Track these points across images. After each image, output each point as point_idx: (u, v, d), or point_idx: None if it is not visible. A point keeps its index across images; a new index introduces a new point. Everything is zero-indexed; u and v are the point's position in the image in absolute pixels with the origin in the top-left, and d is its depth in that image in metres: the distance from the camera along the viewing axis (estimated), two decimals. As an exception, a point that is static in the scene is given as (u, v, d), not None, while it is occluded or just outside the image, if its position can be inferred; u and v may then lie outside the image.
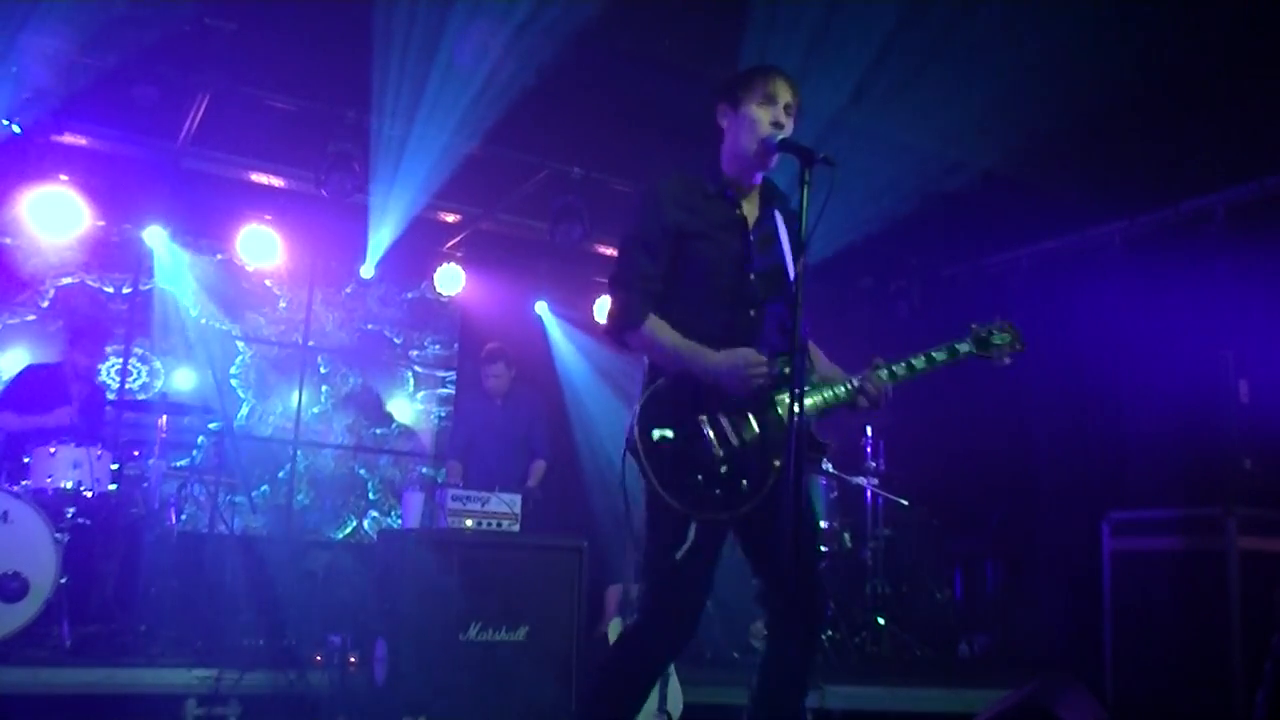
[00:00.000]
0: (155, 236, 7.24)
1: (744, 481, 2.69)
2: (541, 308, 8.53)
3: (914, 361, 2.83)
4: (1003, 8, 4.88)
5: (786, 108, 2.85)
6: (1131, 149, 6.02)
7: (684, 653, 2.96)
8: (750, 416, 2.74)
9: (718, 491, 2.68)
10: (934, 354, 2.85)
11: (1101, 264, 6.92)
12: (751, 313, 2.85)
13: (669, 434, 2.70)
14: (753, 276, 2.86)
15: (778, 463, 2.70)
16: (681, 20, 5.21)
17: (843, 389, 2.79)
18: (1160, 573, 4.96)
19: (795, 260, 2.66)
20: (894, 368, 2.81)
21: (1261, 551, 4.72)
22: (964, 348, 2.90)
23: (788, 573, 2.67)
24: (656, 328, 2.78)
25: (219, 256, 7.91)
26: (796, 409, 2.47)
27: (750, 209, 2.94)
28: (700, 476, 2.67)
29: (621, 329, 2.83)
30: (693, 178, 2.93)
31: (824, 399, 2.78)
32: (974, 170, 6.46)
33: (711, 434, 2.70)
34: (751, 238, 2.89)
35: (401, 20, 5.30)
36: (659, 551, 2.73)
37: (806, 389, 2.74)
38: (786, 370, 2.75)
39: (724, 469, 2.68)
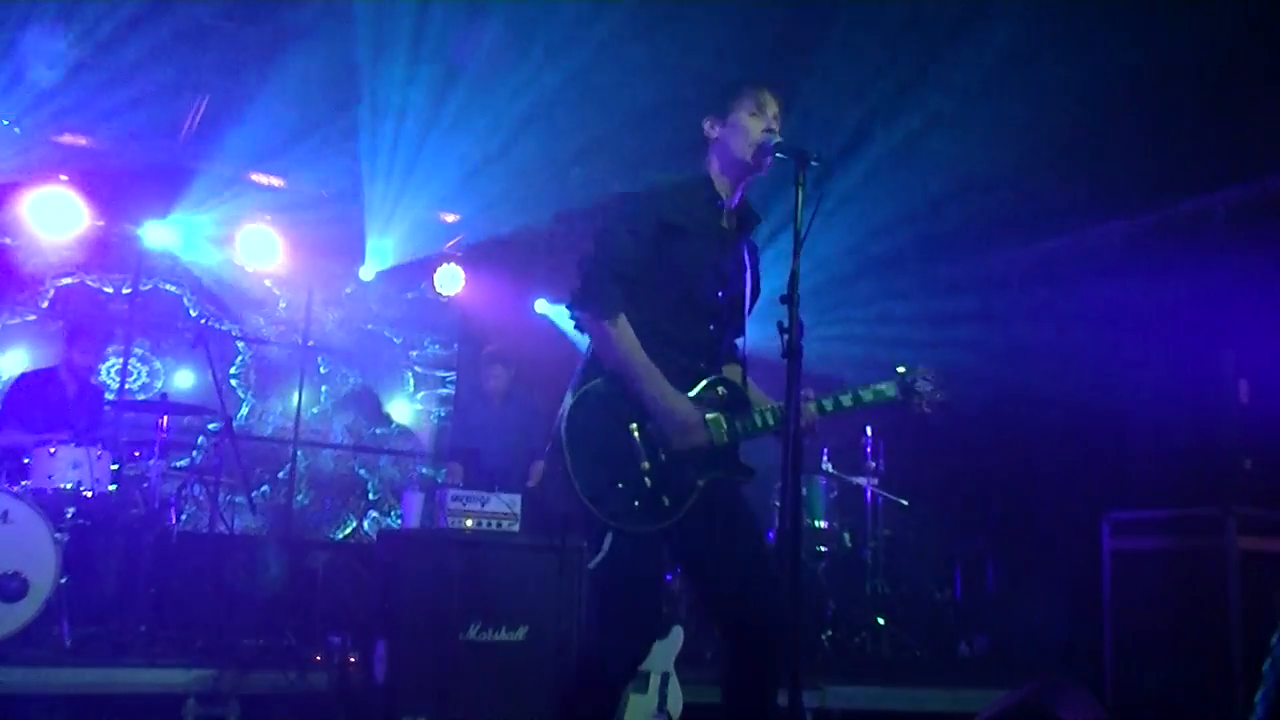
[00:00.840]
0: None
1: (665, 498, 2.68)
2: (542, 305, 8.52)
3: (842, 399, 2.85)
4: (1003, 7, 4.89)
5: (775, 118, 2.88)
6: (1131, 149, 6.02)
7: (684, 654, 2.94)
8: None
9: (636, 504, 2.66)
10: (860, 394, 2.86)
11: (1101, 264, 6.91)
12: (711, 327, 2.87)
13: (596, 440, 2.68)
14: (721, 295, 2.86)
15: (701, 482, 2.71)
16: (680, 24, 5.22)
17: (771, 419, 2.79)
18: (1160, 573, 4.96)
19: (794, 254, 2.63)
20: (824, 402, 2.83)
21: (1261, 551, 4.72)
22: (891, 392, 2.89)
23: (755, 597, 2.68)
24: (624, 332, 2.71)
25: (219, 257, 7.92)
26: (795, 415, 2.47)
27: (730, 224, 2.95)
28: (621, 485, 2.65)
29: (589, 311, 2.73)
30: (686, 180, 2.94)
31: (752, 424, 2.79)
32: (974, 170, 6.46)
33: (640, 444, 2.69)
34: (728, 255, 2.90)
35: (401, 20, 5.30)
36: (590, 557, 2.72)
37: (737, 412, 2.78)
38: (720, 391, 2.80)
39: (647, 482, 2.67)
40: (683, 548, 2.82)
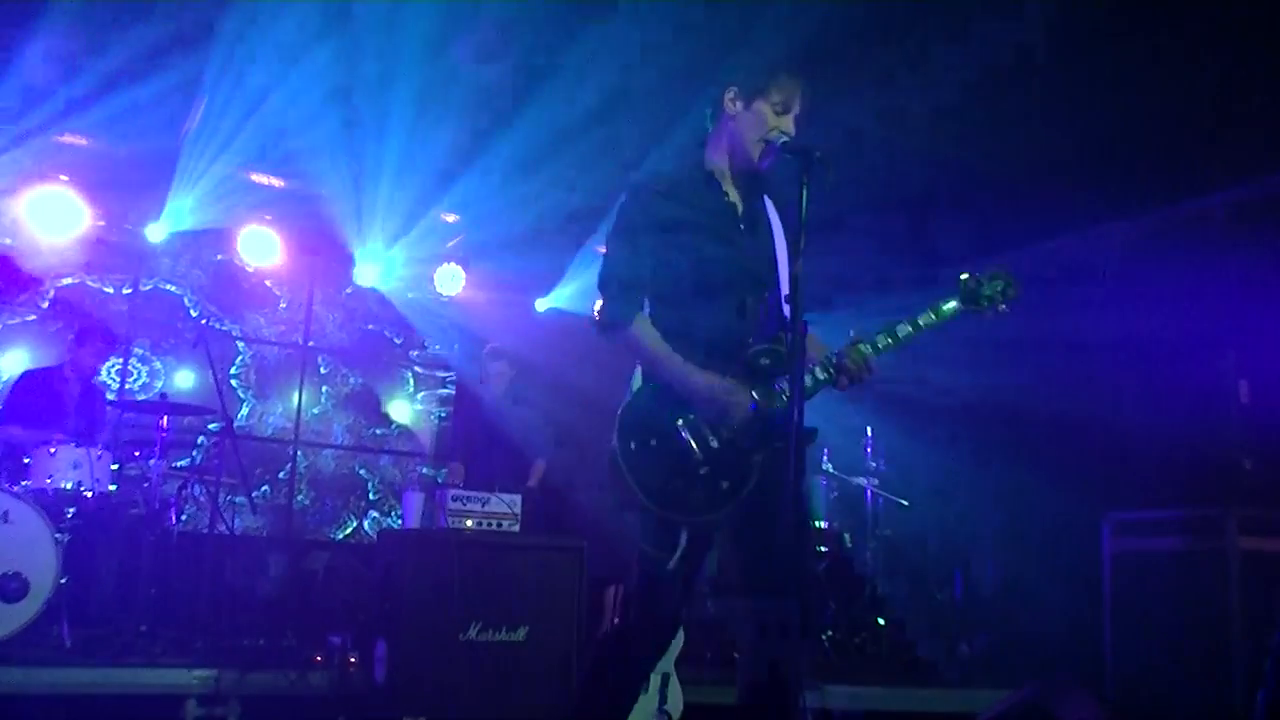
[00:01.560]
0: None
1: (724, 482, 2.68)
2: (543, 304, 8.52)
3: (899, 330, 2.74)
4: (1003, 7, 4.89)
5: (795, 117, 2.85)
6: (1131, 149, 6.02)
7: (684, 654, 2.96)
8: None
9: (700, 494, 2.67)
10: (918, 320, 2.77)
11: (1101, 264, 6.91)
12: (743, 302, 2.82)
13: (648, 443, 2.70)
14: (742, 265, 2.83)
15: (759, 458, 2.69)
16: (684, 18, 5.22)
17: (821, 372, 2.72)
18: (1160, 573, 4.97)
19: (793, 256, 2.63)
20: (876, 340, 2.73)
21: (1261, 551, 4.73)
22: (951, 305, 2.80)
23: (789, 573, 2.61)
24: (643, 333, 2.75)
25: (219, 257, 7.92)
26: (796, 415, 2.46)
27: (735, 195, 2.91)
28: (681, 481, 2.67)
29: (606, 328, 2.82)
30: (676, 168, 2.94)
31: (805, 383, 2.70)
32: (974, 170, 6.46)
33: (690, 438, 2.69)
34: (741, 225, 2.87)
35: (401, 20, 5.30)
36: (647, 558, 2.73)
37: (783, 376, 2.71)
38: (764, 362, 2.72)
39: (704, 470, 2.68)
40: (743, 532, 2.76)
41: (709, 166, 2.92)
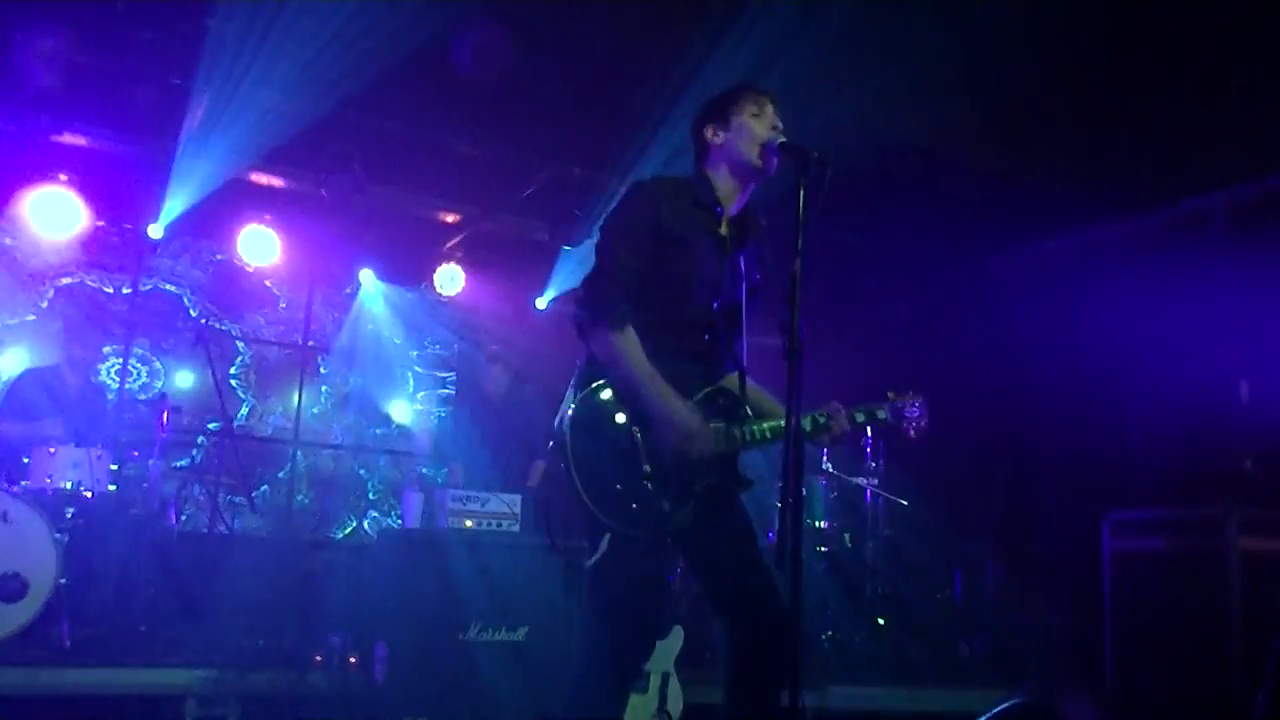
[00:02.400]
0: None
1: (664, 503, 2.67)
2: (544, 302, 8.51)
3: (855, 415, 2.87)
4: (1004, 6, 4.88)
5: (775, 118, 2.87)
6: (1131, 149, 6.02)
7: (684, 654, 2.95)
8: None
9: (635, 507, 2.65)
10: (855, 414, 2.88)
11: (1101, 264, 6.91)
12: (706, 337, 2.85)
13: (599, 438, 2.68)
14: (715, 304, 2.84)
15: (699, 489, 2.70)
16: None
17: (771, 433, 2.76)
18: (1161, 573, 4.96)
19: (792, 255, 2.62)
20: (855, 414, 2.85)
21: (1261, 551, 4.72)
22: (881, 414, 2.91)
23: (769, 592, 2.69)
24: (629, 343, 2.70)
25: (219, 256, 7.92)
26: (793, 419, 2.45)
27: (728, 231, 2.91)
28: (620, 487, 2.65)
29: (594, 321, 2.72)
30: (683, 182, 2.91)
31: (753, 435, 2.77)
32: (974, 170, 6.46)
33: (643, 447, 2.68)
34: (725, 261, 2.87)
35: (400, 19, 5.30)
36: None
37: (736, 422, 2.77)
38: (720, 400, 2.79)
39: (648, 485, 2.66)
40: (685, 549, 2.83)
41: (713, 194, 2.90)
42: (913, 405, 2.91)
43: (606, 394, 2.73)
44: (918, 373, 7.33)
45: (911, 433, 2.92)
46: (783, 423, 2.74)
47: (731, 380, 2.90)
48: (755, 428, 2.78)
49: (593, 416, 2.71)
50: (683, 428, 2.66)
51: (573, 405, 2.72)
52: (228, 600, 5.82)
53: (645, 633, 2.78)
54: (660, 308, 2.78)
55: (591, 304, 2.74)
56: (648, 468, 2.67)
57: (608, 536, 2.66)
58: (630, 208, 2.84)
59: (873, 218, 6.91)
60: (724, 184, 2.91)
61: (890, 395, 2.93)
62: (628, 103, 5.92)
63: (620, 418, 2.70)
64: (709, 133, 2.92)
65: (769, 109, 2.88)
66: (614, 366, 2.71)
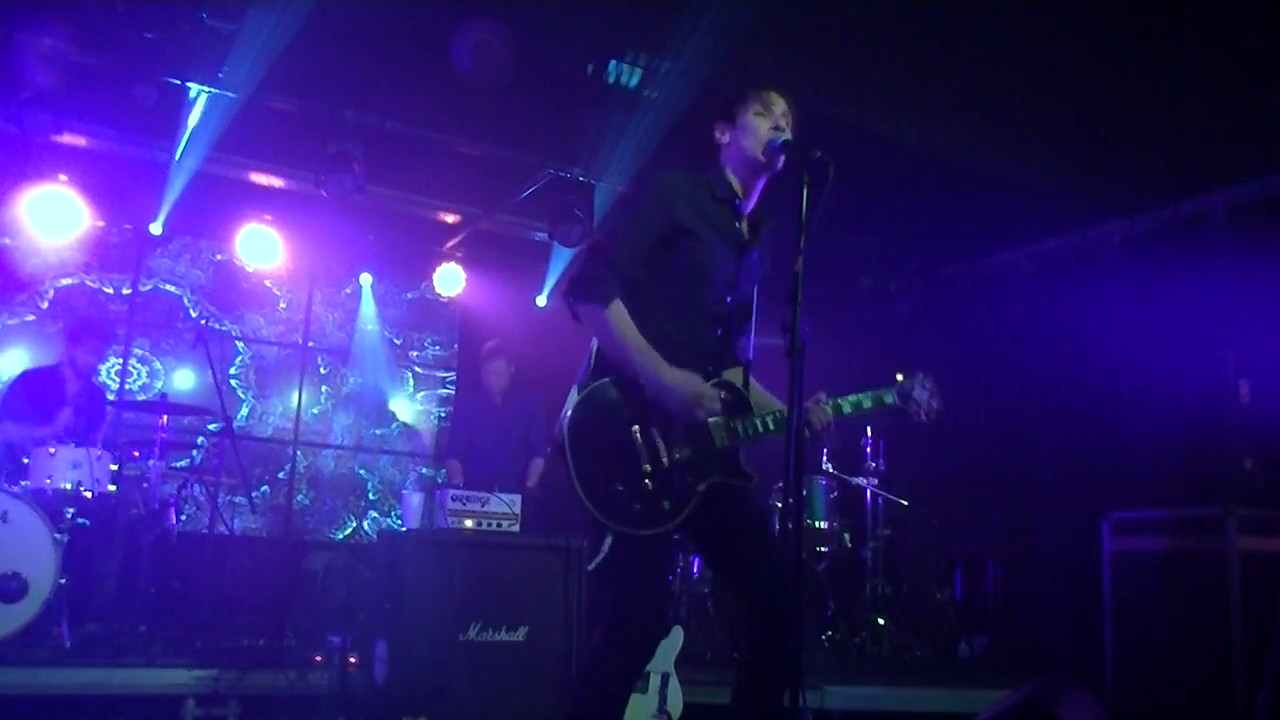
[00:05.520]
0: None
1: (665, 502, 2.67)
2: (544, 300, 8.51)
3: (846, 403, 2.88)
4: (1004, 6, 4.89)
5: (784, 115, 2.88)
6: (1131, 149, 6.02)
7: (684, 654, 2.93)
8: (685, 435, 2.73)
9: (637, 507, 2.64)
10: (861, 399, 2.90)
11: (1101, 264, 6.91)
12: (719, 332, 2.86)
13: (599, 438, 2.67)
14: (729, 300, 2.86)
15: (701, 487, 2.70)
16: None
17: (772, 422, 2.78)
18: (1160, 573, 4.96)
19: (794, 253, 2.62)
20: (841, 404, 2.86)
21: (1261, 551, 4.72)
22: (888, 399, 2.93)
23: (775, 586, 2.68)
24: (619, 317, 2.68)
25: (219, 257, 7.92)
26: (796, 413, 2.46)
27: (744, 232, 2.94)
28: (621, 487, 2.64)
29: (585, 297, 2.71)
30: (701, 177, 2.92)
31: (754, 427, 2.78)
32: (973, 169, 6.46)
33: (642, 446, 2.67)
34: (741, 257, 2.89)
35: (400, 19, 5.30)
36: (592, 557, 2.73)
37: (738, 416, 2.77)
38: (723, 395, 2.77)
39: (648, 485, 2.66)
40: (699, 545, 2.85)
41: (731, 189, 2.92)
42: (922, 386, 2.92)
43: (607, 394, 2.72)
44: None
45: (923, 416, 2.91)
46: (781, 412, 2.76)
47: (734, 374, 2.90)
48: (756, 421, 2.79)
49: (593, 417, 2.70)
50: (685, 390, 2.65)
51: (573, 406, 2.72)
52: (228, 600, 5.83)
53: (648, 634, 2.77)
54: (673, 303, 2.79)
55: (580, 282, 2.74)
56: (648, 467, 2.67)
57: (610, 538, 2.66)
58: (645, 198, 2.85)
59: (873, 218, 6.92)
60: (735, 181, 2.93)
61: (899, 377, 2.94)
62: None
63: (620, 417, 2.70)
64: (717, 132, 2.96)
65: (777, 105, 2.88)
66: (606, 342, 2.71)
